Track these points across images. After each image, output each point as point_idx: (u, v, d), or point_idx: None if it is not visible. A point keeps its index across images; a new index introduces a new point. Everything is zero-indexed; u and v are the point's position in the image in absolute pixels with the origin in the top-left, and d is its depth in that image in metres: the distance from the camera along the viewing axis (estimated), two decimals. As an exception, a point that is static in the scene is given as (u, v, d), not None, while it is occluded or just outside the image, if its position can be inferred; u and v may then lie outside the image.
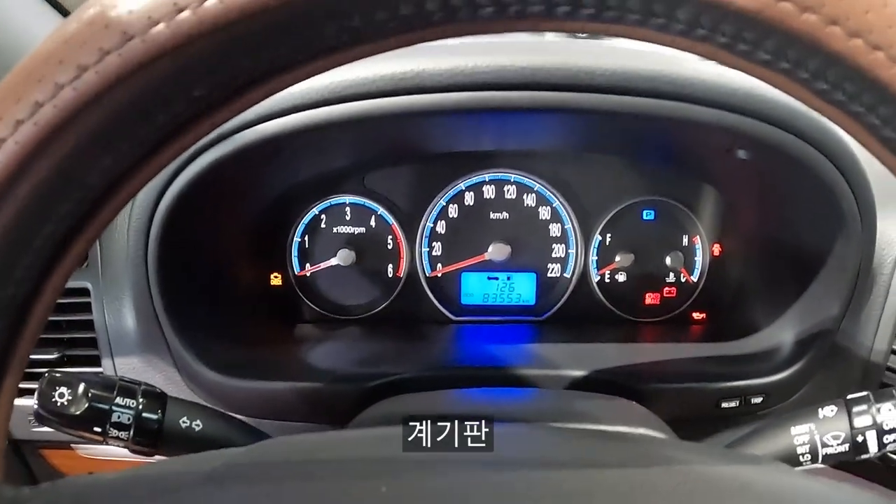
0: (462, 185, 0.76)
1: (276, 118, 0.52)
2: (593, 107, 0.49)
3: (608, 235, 0.77)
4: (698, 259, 0.78)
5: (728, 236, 0.78)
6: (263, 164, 0.64)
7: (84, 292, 0.64)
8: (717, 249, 0.78)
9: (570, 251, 0.77)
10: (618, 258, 0.76)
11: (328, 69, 0.21)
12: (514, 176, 0.76)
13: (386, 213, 0.76)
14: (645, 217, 0.77)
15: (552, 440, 0.37)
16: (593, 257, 0.77)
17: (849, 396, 0.49)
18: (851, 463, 0.74)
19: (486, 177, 0.76)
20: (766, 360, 0.67)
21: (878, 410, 0.48)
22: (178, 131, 0.20)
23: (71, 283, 0.64)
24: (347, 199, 0.76)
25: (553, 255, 0.77)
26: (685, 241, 0.78)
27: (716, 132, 0.52)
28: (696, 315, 0.80)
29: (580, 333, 0.73)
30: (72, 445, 0.71)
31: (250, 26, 0.18)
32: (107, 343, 0.64)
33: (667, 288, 0.79)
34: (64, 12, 0.72)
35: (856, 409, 0.48)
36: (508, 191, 0.76)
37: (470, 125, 0.64)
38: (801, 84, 0.19)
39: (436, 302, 0.77)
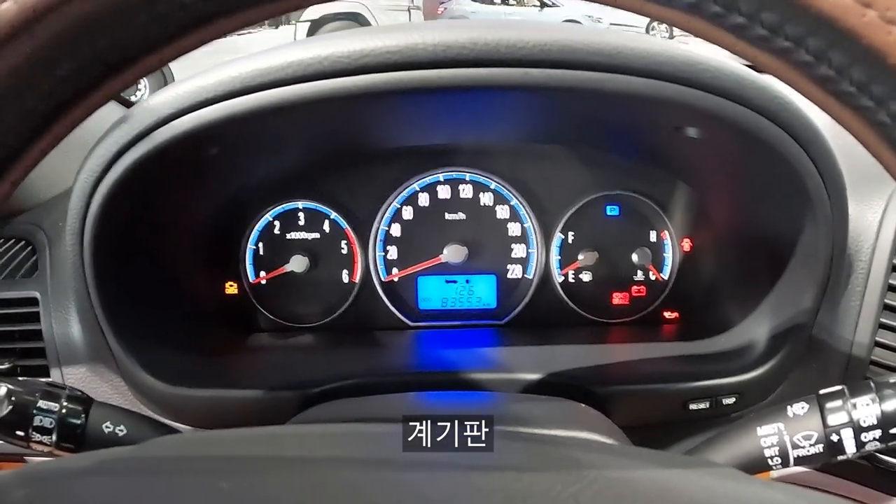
0: (416, 186, 0.73)
1: (186, 113, 0.50)
2: (517, 82, 0.46)
3: (570, 233, 0.73)
4: (668, 255, 0.74)
5: (699, 230, 0.74)
6: (202, 166, 0.61)
7: (33, 302, 0.63)
8: (687, 245, 0.74)
9: (530, 251, 0.74)
10: (581, 257, 0.72)
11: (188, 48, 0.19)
12: (469, 174, 0.73)
13: (339, 217, 0.74)
14: (609, 213, 0.73)
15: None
16: (556, 257, 0.74)
17: (821, 391, 0.44)
18: (836, 464, 0.70)
19: (441, 176, 0.73)
20: (738, 358, 0.63)
21: (854, 406, 0.43)
22: (50, 116, 0.19)
23: (20, 293, 0.64)
24: (300, 203, 0.74)
25: (513, 256, 0.74)
26: (653, 237, 0.74)
27: (655, 106, 0.48)
28: (668, 314, 0.76)
29: (544, 336, 0.70)
30: (25, 458, 0.70)
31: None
32: (55, 353, 0.63)
33: (636, 287, 0.75)
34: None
35: (829, 405, 0.43)
36: (464, 190, 0.73)
37: (413, 115, 0.61)
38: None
39: (392, 308, 0.74)
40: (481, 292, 0.74)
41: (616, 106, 0.51)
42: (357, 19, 3.40)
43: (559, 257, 0.74)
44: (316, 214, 0.74)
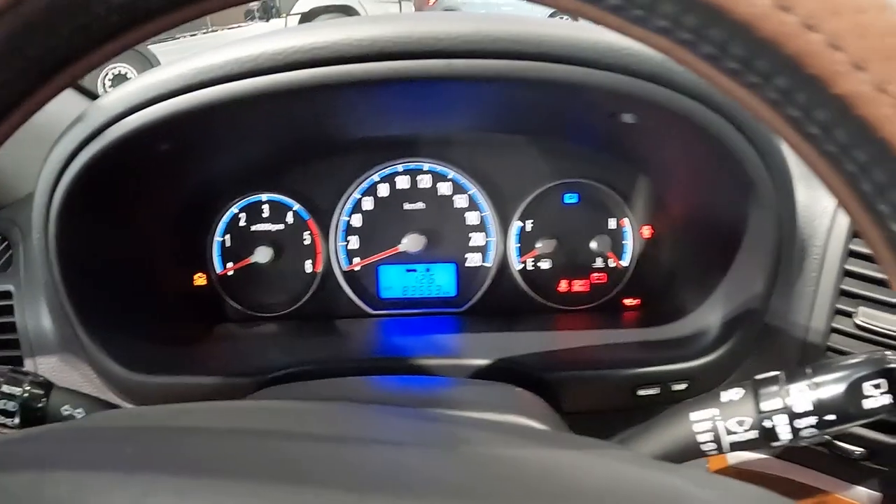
0: (376, 177, 0.74)
1: (133, 112, 0.52)
2: (440, 73, 0.47)
3: (529, 221, 0.74)
4: (627, 243, 0.75)
5: (658, 217, 0.74)
6: (156, 162, 0.63)
7: (7, 295, 0.66)
8: (647, 232, 0.75)
9: (489, 239, 0.75)
10: (539, 244, 0.73)
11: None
12: (427, 164, 0.74)
13: (302, 208, 0.75)
14: (567, 201, 0.74)
15: (392, 422, 0.34)
16: (515, 245, 0.74)
17: (758, 377, 0.44)
18: (795, 452, 0.71)
19: (400, 167, 0.74)
20: (691, 345, 0.63)
21: (789, 392, 0.42)
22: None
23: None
24: (264, 196, 0.75)
25: (472, 245, 0.75)
26: (613, 224, 0.75)
27: (583, 93, 0.49)
28: (628, 301, 0.77)
29: (503, 324, 0.71)
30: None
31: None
32: (28, 343, 0.65)
33: (595, 274, 0.76)
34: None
35: (763, 390, 0.42)
36: (423, 180, 0.74)
37: (364, 108, 0.62)
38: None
39: (353, 296, 0.75)
40: (441, 280, 0.75)
41: (548, 95, 0.52)
42: (348, 11, 3.40)
43: (518, 245, 0.74)
44: (279, 206, 0.75)
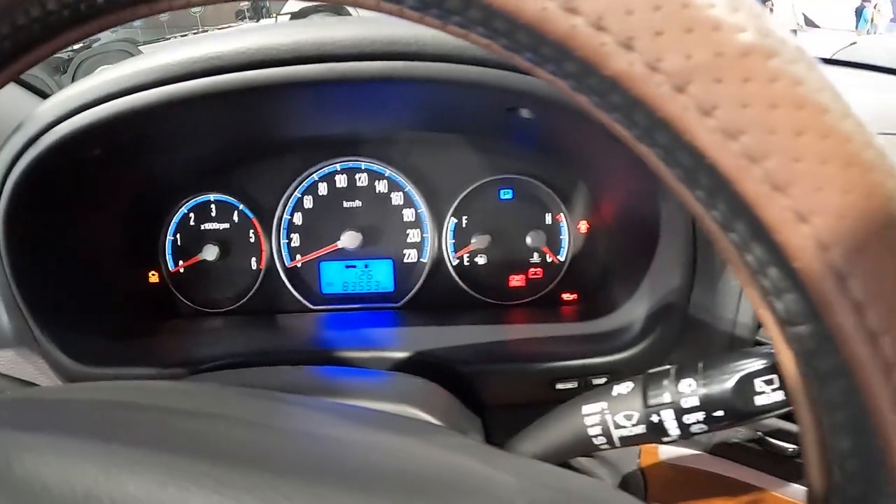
0: (315, 176, 0.76)
1: (63, 120, 0.55)
2: (330, 76, 0.49)
3: (464, 218, 0.76)
4: (564, 238, 0.77)
5: (592, 213, 0.76)
6: (92, 165, 0.65)
7: None
8: (584, 227, 0.77)
9: (424, 235, 0.77)
10: (473, 240, 0.75)
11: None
12: (364, 163, 0.76)
13: (246, 208, 0.77)
14: (502, 196, 0.76)
15: (255, 403, 0.36)
16: (449, 241, 0.76)
17: (650, 371, 0.43)
18: (728, 448, 0.71)
19: (338, 166, 0.76)
20: (614, 339, 0.65)
21: (677, 387, 0.41)
22: None
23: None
24: (212, 196, 0.78)
25: (408, 241, 0.77)
26: (548, 219, 0.77)
27: (472, 90, 0.51)
28: (566, 296, 0.78)
29: (439, 318, 0.73)
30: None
31: None
32: None
33: (532, 269, 0.78)
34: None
35: (652, 384, 0.42)
36: (360, 178, 0.76)
37: (293, 109, 0.65)
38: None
39: (294, 292, 0.77)
40: (379, 276, 0.77)
41: (447, 93, 0.54)
42: (339, 11, 3.43)
43: (453, 241, 0.76)
44: (226, 206, 0.78)
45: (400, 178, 0.76)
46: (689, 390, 0.40)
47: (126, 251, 0.77)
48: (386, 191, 0.76)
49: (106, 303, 0.74)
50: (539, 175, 0.75)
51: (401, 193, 0.76)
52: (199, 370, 0.62)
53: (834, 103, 0.16)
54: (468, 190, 0.75)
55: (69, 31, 0.20)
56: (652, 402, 0.41)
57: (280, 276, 0.77)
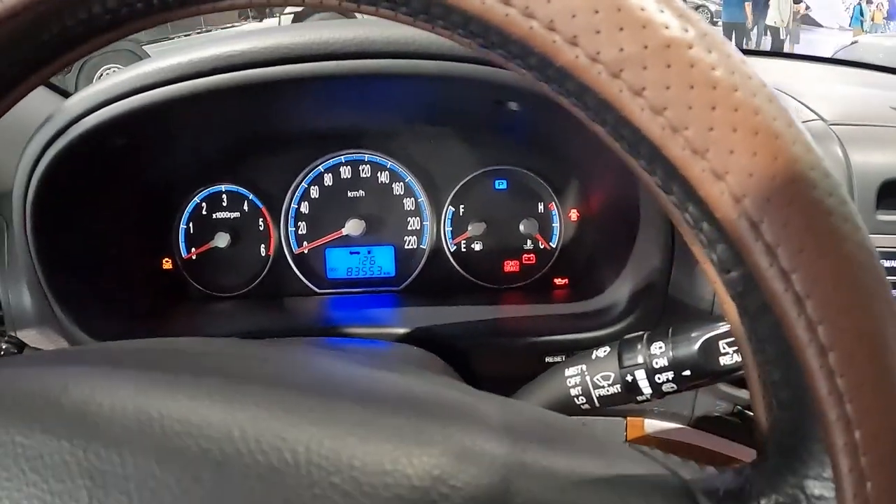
0: (321, 168, 0.81)
1: (91, 112, 0.60)
2: (334, 72, 0.55)
3: (461, 206, 0.81)
4: (556, 225, 0.82)
5: (582, 201, 0.81)
6: (115, 156, 0.70)
7: None
8: (574, 215, 0.81)
9: (424, 223, 0.81)
10: (470, 227, 0.80)
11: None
12: (367, 155, 0.81)
13: (256, 198, 0.82)
14: (497, 187, 0.81)
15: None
16: (448, 228, 0.81)
17: (625, 337, 0.49)
18: (711, 421, 0.75)
19: (343, 158, 0.81)
20: (600, 317, 0.70)
21: (649, 350, 0.46)
22: None
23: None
24: (223, 187, 0.82)
25: (409, 228, 0.82)
26: (541, 208, 0.81)
27: (461, 85, 0.56)
28: (558, 280, 0.83)
29: (438, 300, 0.77)
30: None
31: None
32: (11, 319, 0.74)
33: (526, 255, 0.82)
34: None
35: (626, 347, 0.47)
36: (364, 170, 0.81)
37: (300, 105, 0.70)
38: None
39: (302, 277, 0.82)
40: (381, 262, 0.82)
41: (440, 88, 0.59)
42: (342, 12, 3.47)
43: (451, 228, 0.81)
44: (237, 196, 0.83)
45: (401, 170, 0.80)
46: (660, 352, 0.46)
47: (142, 238, 0.82)
48: (388, 181, 0.81)
49: (123, 286, 0.78)
50: (532, 166, 0.80)
51: (401, 184, 0.81)
52: None
53: (744, 82, 0.19)
54: (465, 180, 0.80)
55: (133, 22, 0.25)
56: (626, 363, 0.46)
57: (288, 262, 0.82)
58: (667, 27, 0.19)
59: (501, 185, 0.81)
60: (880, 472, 0.19)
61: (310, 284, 0.82)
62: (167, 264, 0.85)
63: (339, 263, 0.83)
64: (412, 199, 0.81)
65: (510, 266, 0.82)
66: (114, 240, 0.77)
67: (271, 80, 0.56)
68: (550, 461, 0.25)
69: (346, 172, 0.81)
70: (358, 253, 0.82)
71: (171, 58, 0.59)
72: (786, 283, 0.19)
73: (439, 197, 0.80)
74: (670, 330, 0.48)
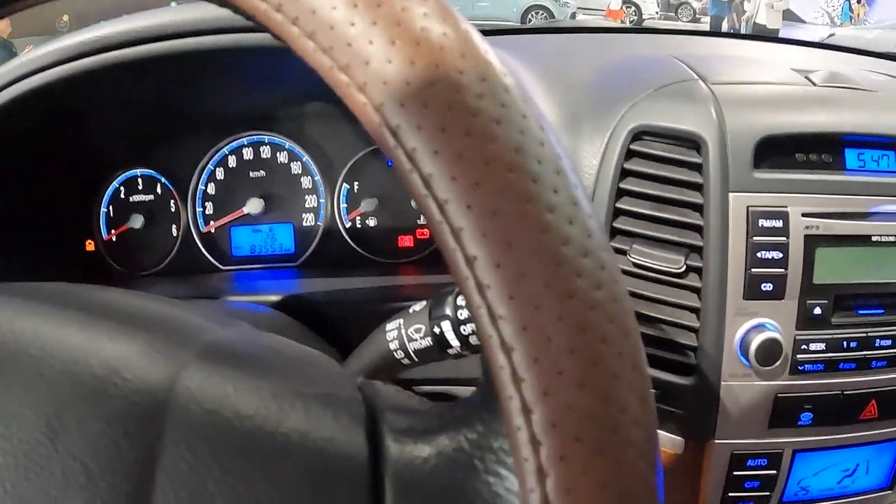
0: (225, 150, 0.86)
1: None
2: (221, 45, 0.62)
3: (355, 184, 0.86)
4: None
5: None
6: (26, 137, 0.75)
7: None
8: None
9: (321, 201, 0.86)
10: (362, 204, 0.85)
11: None
12: (268, 137, 0.86)
13: (167, 181, 0.87)
14: (391, 163, 0.85)
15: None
16: (343, 205, 0.86)
17: (441, 291, 0.48)
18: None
19: (245, 140, 0.86)
20: None
21: (456, 300, 0.46)
22: None
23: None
24: (139, 171, 0.87)
25: (307, 206, 0.86)
26: (433, 185, 0.86)
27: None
28: (452, 253, 0.88)
29: (331, 274, 0.82)
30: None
31: None
32: None
33: (420, 230, 0.87)
34: None
35: (438, 300, 0.47)
36: (264, 151, 0.86)
37: (195, 87, 0.75)
38: None
39: (207, 255, 0.87)
40: (282, 239, 0.87)
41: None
42: None
43: (345, 205, 0.86)
44: (150, 179, 0.88)
45: (298, 149, 0.85)
46: (465, 303, 0.48)
47: (68, 221, 0.87)
48: (286, 161, 0.86)
49: (48, 269, 0.84)
50: None
51: (299, 163, 0.86)
52: None
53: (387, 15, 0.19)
54: (356, 157, 0.85)
55: None
56: (435, 315, 0.46)
57: (195, 241, 0.87)
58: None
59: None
60: (543, 402, 0.18)
61: (215, 262, 0.87)
62: (90, 246, 0.90)
63: (244, 241, 0.88)
64: (309, 177, 0.86)
65: (405, 241, 0.87)
66: (37, 224, 0.83)
67: (166, 54, 0.61)
68: (236, 371, 0.26)
69: (248, 154, 0.86)
70: (260, 231, 0.87)
71: (67, 38, 0.64)
72: (426, 189, 0.18)
73: (333, 175, 0.85)
74: None
